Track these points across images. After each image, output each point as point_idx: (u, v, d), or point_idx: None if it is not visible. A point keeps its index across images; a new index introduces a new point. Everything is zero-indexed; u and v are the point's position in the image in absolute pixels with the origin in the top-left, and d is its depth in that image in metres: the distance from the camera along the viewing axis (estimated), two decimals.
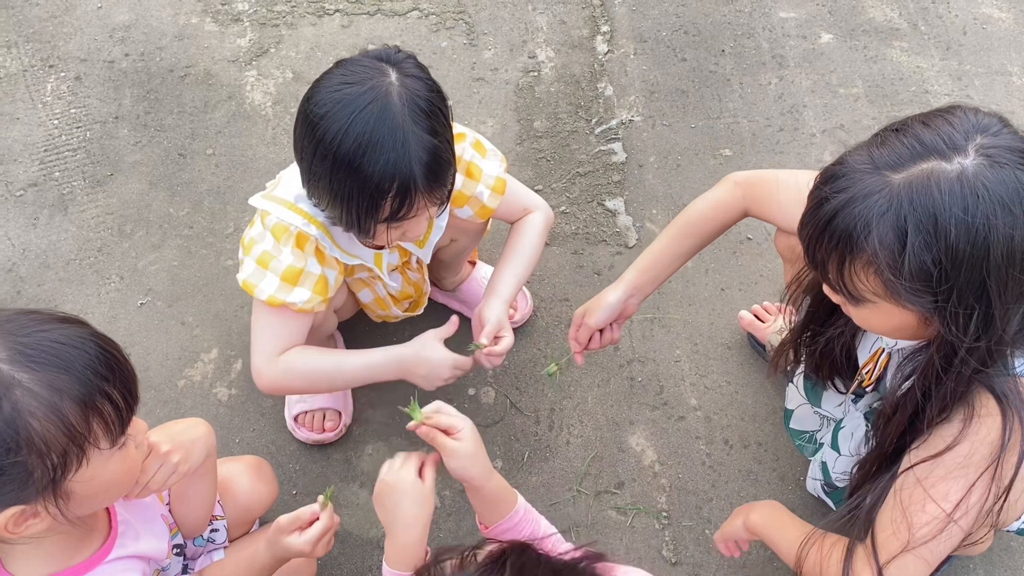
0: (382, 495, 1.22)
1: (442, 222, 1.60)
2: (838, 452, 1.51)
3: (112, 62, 2.40)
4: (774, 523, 1.41)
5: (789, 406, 1.67)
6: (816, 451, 1.63)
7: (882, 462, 1.28)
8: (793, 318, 1.50)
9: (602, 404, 1.89)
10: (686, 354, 1.95)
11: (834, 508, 1.60)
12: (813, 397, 1.58)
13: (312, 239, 1.46)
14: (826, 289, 1.18)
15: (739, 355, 1.95)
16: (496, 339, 1.57)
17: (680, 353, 1.95)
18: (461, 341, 1.96)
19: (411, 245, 1.61)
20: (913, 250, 1.00)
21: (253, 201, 1.51)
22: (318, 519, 1.28)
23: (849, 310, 1.18)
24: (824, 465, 1.57)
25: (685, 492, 1.78)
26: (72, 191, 2.17)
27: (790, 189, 1.32)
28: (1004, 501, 1.17)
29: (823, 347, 1.44)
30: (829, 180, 1.08)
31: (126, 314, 1.98)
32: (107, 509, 1.17)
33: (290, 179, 1.47)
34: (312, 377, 1.53)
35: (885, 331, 1.19)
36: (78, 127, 2.28)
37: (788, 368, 1.57)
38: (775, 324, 1.88)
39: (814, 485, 1.64)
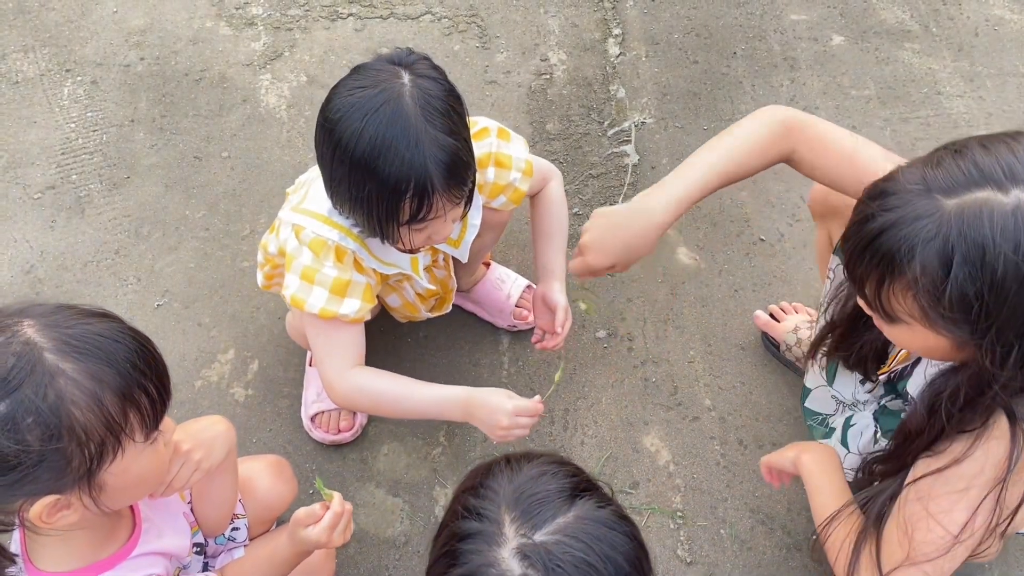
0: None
1: (476, 220, 1.59)
2: (847, 449, 1.52)
3: (128, 66, 2.42)
4: (820, 475, 1.38)
5: (808, 385, 1.66)
6: (826, 435, 1.63)
7: (895, 472, 1.28)
8: (826, 316, 1.47)
9: (616, 404, 1.89)
10: (700, 355, 1.96)
11: None
12: (828, 373, 1.57)
13: (350, 252, 1.46)
14: (860, 302, 1.17)
15: (753, 356, 1.96)
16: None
17: (694, 354, 1.96)
18: (477, 340, 1.97)
19: (445, 246, 1.60)
20: (956, 281, 0.97)
21: (284, 215, 1.50)
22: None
23: (882, 326, 1.17)
24: None
25: (700, 492, 1.78)
26: (89, 194, 2.19)
27: (844, 143, 1.32)
28: (1009, 523, 1.16)
29: (857, 350, 1.42)
30: (878, 196, 1.05)
31: (143, 315, 1.99)
32: (131, 507, 1.18)
33: (319, 191, 1.46)
34: (380, 400, 1.53)
35: (916, 350, 1.19)
36: (95, 130, 2.30)
37: (822, 360, 1.54)
38: (790, 323, 1.89)
39: None
